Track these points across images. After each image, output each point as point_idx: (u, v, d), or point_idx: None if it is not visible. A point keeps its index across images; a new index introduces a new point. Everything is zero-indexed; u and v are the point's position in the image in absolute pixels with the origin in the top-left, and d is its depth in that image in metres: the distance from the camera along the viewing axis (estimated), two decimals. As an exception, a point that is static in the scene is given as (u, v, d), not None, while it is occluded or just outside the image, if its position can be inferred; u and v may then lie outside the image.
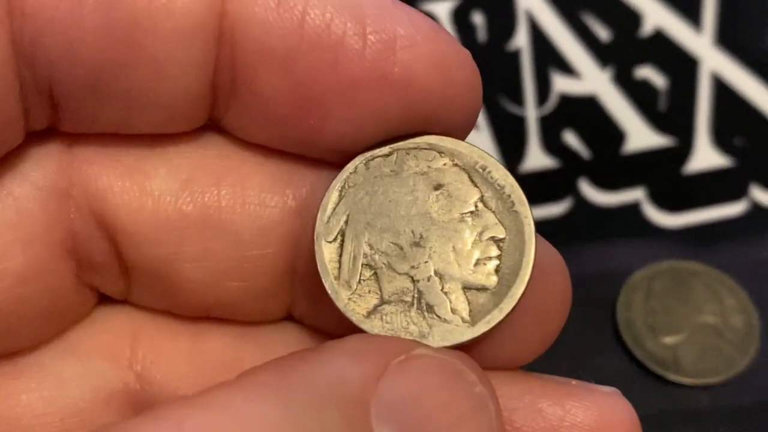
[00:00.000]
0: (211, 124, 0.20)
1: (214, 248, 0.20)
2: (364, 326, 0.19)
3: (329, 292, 0.19)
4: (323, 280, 0.19)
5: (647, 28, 0.45)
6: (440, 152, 0.19)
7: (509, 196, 0.19)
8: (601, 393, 0.20)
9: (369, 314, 0.19)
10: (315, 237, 0.19)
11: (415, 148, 0.19)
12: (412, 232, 0.19)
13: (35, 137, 0.19)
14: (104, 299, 0.22)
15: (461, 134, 0.19)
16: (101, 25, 0.17)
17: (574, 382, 0.20)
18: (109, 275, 0.21)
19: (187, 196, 0.19)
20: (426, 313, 0.19)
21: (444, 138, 0.19)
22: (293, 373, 0.16)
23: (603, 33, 0.45)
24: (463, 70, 0.18)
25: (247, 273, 0.20)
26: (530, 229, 0.19)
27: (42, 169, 0.19)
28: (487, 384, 0.17)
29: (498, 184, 0.19)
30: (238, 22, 0.18)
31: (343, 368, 0.16)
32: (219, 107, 0.19)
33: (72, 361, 0.21)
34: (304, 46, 0.17)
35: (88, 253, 0.20)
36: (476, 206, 0.19)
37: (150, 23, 0.17)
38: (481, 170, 0.19)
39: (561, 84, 0.43)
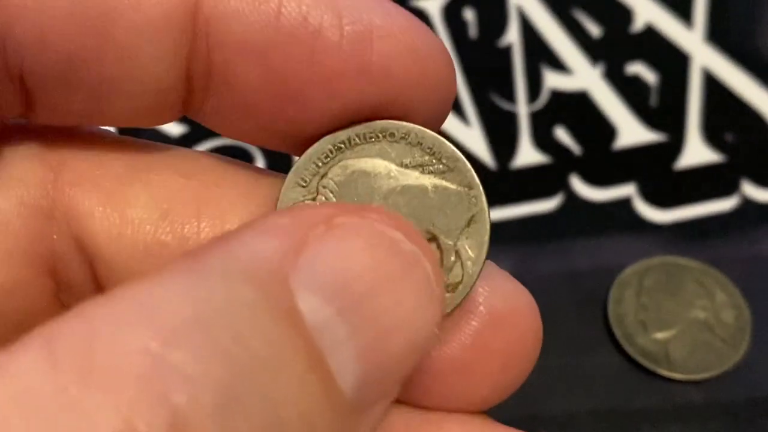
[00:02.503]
0: (195, 150, 0.20)
1: None
2: None
3: None
4: None
5: (638, 24, 0.45)
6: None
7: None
8: None
9: None
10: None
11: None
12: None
13: (23, 154, 0.19)
14: None
15: (436, 122, 0.19)
16: (71, 13, 0.17)
17: None
18: (87, 299, 0.20)
19: (167, 226, 0.19)
20: None
21: (402, 123, 0.19)
22: (207, 255, 0.15)
23: (594, 29, 0.45)
24: (438, 59, 0.18)
25: None
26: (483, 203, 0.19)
27: (27, 187, 0.19)
28: (417, 241, 0.16)
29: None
30: (212, 15, 0.17)
31: (258, 245, 0.15)
32: (195, 101, 0.19)
33: None
34: (280, 39, 0.17)
35: (66, 275, 0.20)
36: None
37: (119, 14, 0.17)
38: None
39: (552, 80, 0.43)
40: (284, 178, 0.20)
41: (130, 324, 0.13)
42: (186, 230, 0.19)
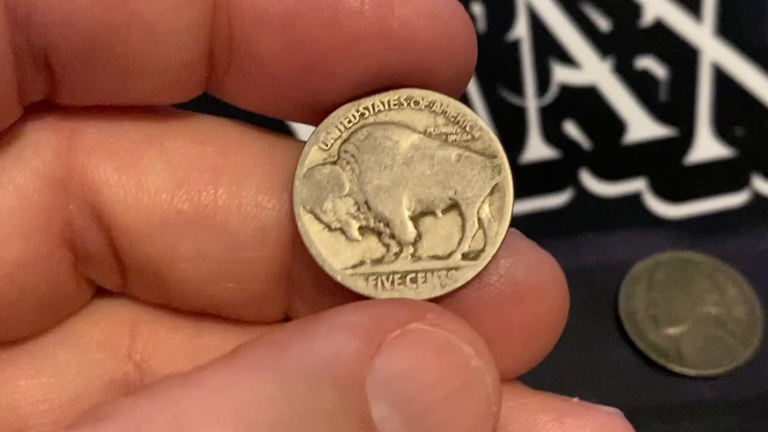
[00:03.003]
0: (209, 116, 0.20)
1: (208, 248, 0.19)
2: (348, 283, 0.19)
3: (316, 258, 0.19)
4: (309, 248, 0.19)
5: (647, 17, 0.45)
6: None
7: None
8: (602, 413, 0.19)
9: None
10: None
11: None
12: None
13: (36, 124, 0.19)
14: (102, 291, 0.21)
15: (457, 88, 0.19)
16: None
17: (575, 399, 0.20)
18: (106, 269, 0.20)
19: (183, 194, 0.19)
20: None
21: (424, 91, 0.19)
22: (289, 349, 0.15)
23: (603, 23, 0.44)
24: (458, 22, 0.18)
25: (242, 275, 0.20)
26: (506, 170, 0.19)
27: (42, 159, 0.19)
28: (484, 356, 0.17)
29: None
30: None
31: (338, 344, 0.16)
32: (217, 74, 0.19)
33: (70, 349, 0.21)
34: (302, 8, 0.17)
35: (84, 246, 0.20)
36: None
37: None
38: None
39: (561, 74, 0.43)
40: (300, 142, 0.20)
41: (217, 417, 0.14)
42: (203, 198, 0.19)
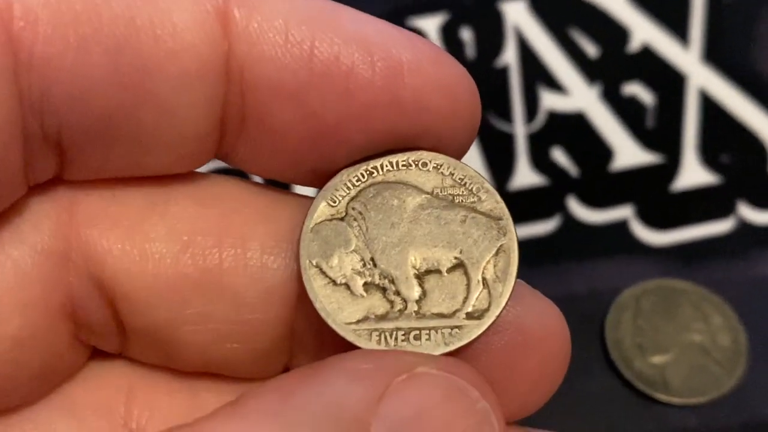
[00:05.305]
0: (211, 174, 0.20)
1: (214, 311, 0.19)
2: (350, 336, 0.19)
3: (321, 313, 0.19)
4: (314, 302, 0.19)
5: (635, 44, 0.45)
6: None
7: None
8: None
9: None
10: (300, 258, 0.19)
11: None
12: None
13: (36, 196, 0.19)
14: (98, 351, 0.21)
15: (462, 149, 0.20)
16: (109, 72, 0.17)
17: None
18: (106, 335, 0.20)
19: (188, 258, 0.19)
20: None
21: (436, 154, 0.19)
22: (293, 397, 0.16)
23: (591, 49, 0.45)
24: (465, 90, 0.19)
25: (247, 335, 0.20)
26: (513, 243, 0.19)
27: (41, 233, 0.19)
28: (490, 399, 0.17)
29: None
30: (246, 61, 0.18)
31: (343, 389, 0.16)
32: (227, 142, 0.19)
33: (66, 418, 0.20)
34: (314, 80, 0.18)
35: (86, 316, 0.20)
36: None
37: (157, 67, 0.17)
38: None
39: (549, 100, 0.43)
40: (302, 197, 0.20)
41: None
42: (207, 261, 0.19)
